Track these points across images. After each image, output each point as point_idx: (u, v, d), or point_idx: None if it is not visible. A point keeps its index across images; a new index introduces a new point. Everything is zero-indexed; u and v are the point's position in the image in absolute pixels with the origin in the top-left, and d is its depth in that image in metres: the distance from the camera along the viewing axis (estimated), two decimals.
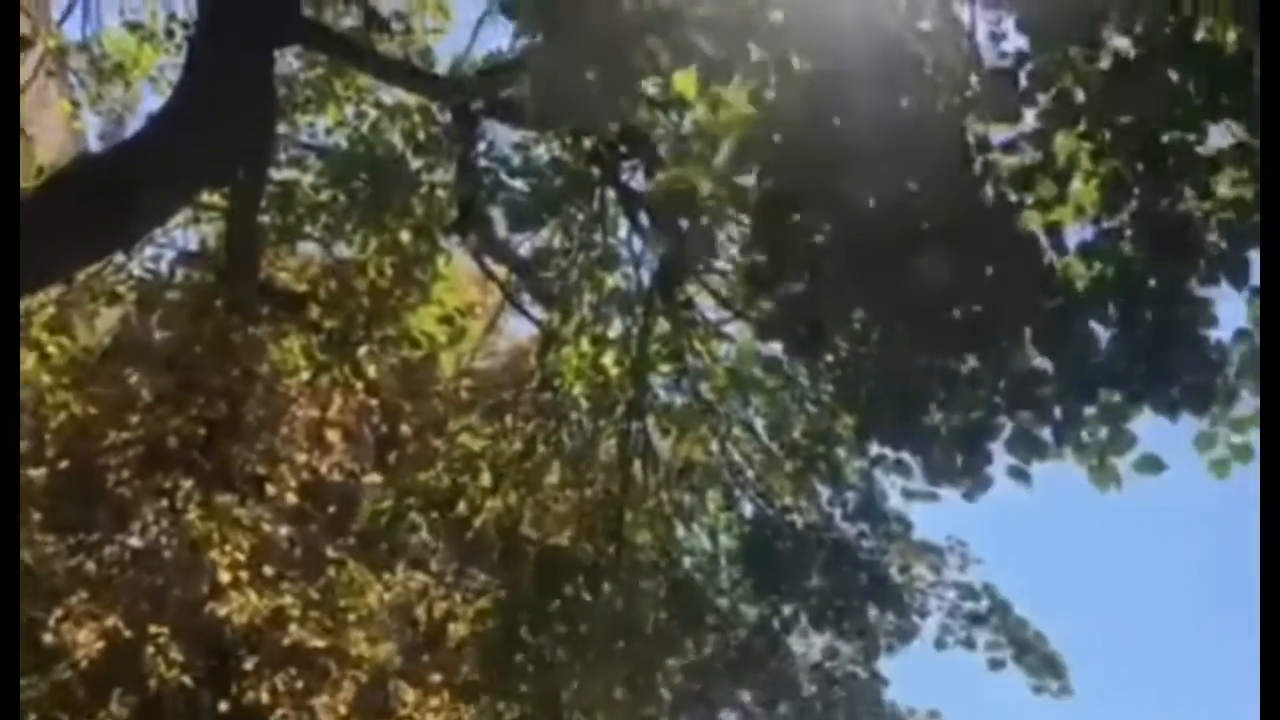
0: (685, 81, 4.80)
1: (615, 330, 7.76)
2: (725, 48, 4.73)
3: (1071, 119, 4.46)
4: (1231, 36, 4.14)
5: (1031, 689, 8.06)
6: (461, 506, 7.69)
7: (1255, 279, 4.50)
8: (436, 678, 8.98)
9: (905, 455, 6.82)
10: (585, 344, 7.59)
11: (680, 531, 7.91)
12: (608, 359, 7.59)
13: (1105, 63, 4.23)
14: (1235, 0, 4.16)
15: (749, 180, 4.81)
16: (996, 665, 8.11)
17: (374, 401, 8.26)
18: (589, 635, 7.72)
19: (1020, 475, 5.95)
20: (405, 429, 8.45)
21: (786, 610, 7.85)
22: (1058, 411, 5.04)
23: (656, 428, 7.79)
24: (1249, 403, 4.80)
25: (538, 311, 8.12)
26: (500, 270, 8.15)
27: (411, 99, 7.77)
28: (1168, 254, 4.42)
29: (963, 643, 8.16)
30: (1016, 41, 4.49)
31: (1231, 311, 4.57)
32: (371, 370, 8.04)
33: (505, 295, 8.19)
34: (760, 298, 6.48)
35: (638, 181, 7.62)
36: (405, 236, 7.63)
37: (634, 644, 7.82)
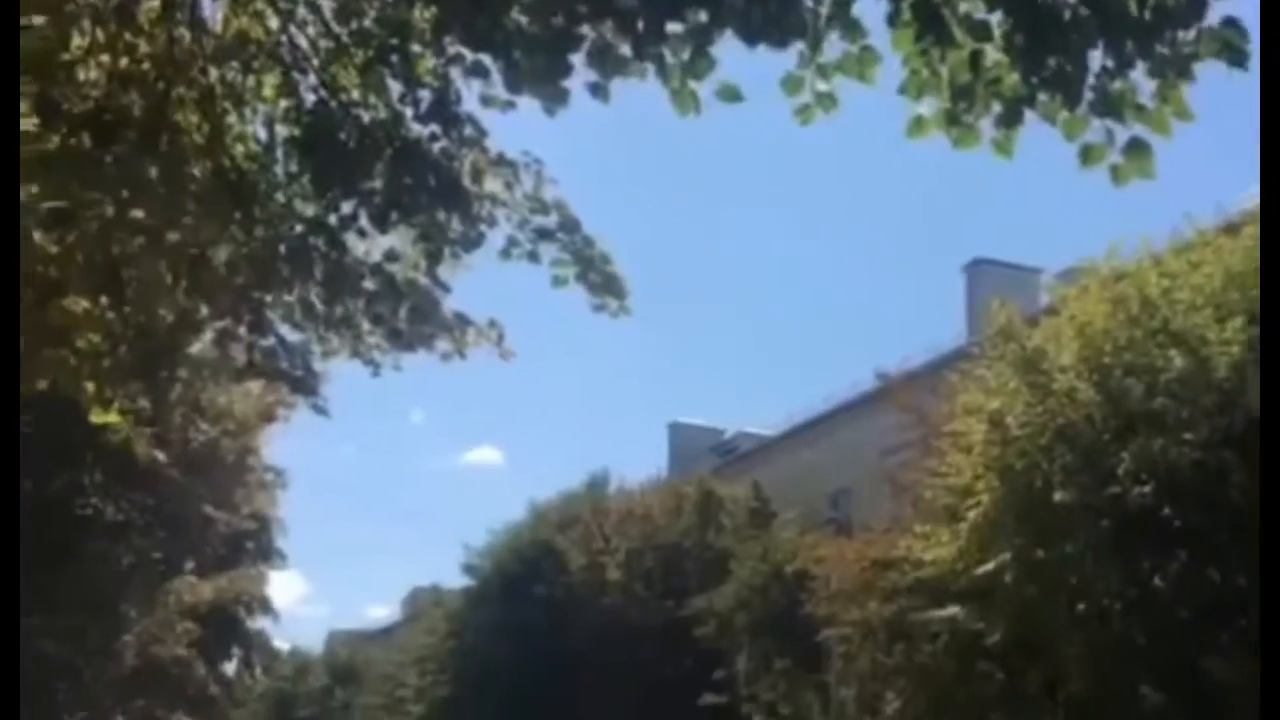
0: None
1: None
2: None
3: None
4: None
5: (591, 307, 8.13)
6: None
7: None
8: None
9: (485, 58, 6.39)
10: None
11: (232, 116, 7.15)
12: None
13: None
14: None
15: None
16: (559, 282, 8.07)
17: None
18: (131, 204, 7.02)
19: (599, 91, 5.76)
20: None
21: (346, 208, 7.39)
22: (640, 24, 4.76)
23: None
24: (838, 47, 4.64)
25: None
26: None
27: None
28: None
29: (528, 255, 8.03)
30: None
31: None
32: None
33: None
34: None
35: None
36: None
37: (182, 228, 7.21)
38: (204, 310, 7.65)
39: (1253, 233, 16.71)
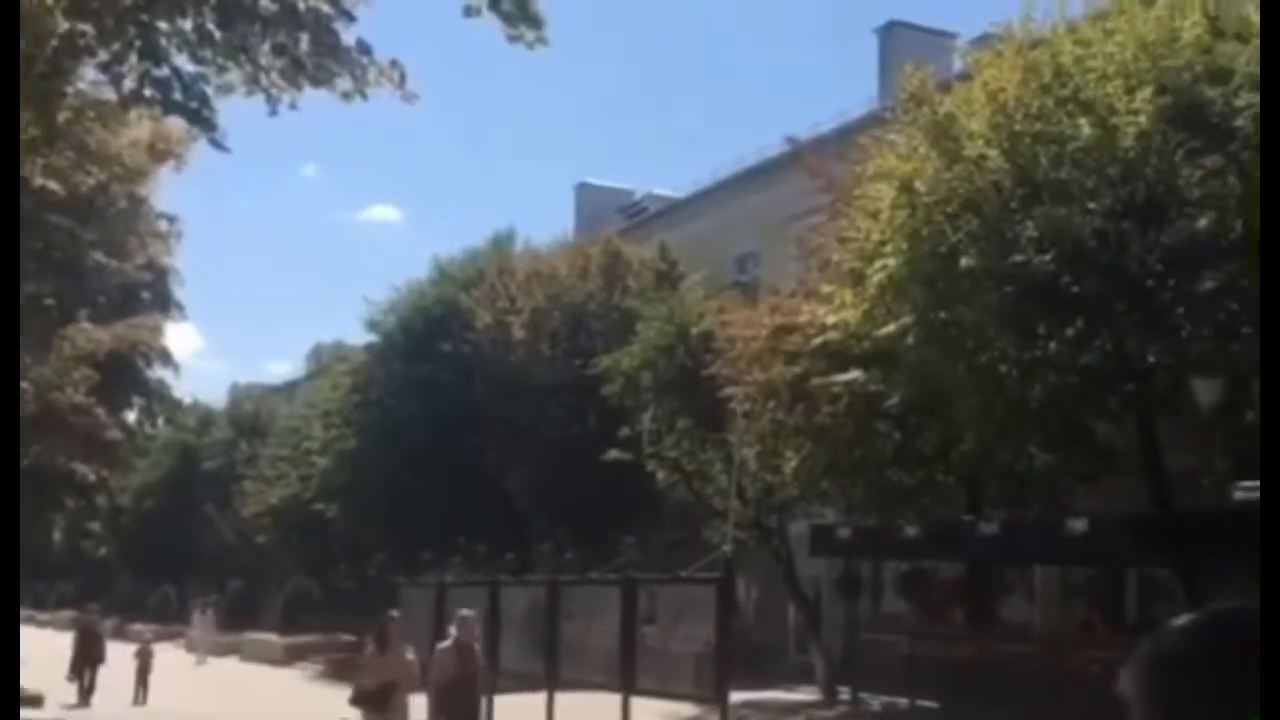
0: None
1: None
2: None
3: None
4: None
5: (506, 37, 7.84)
6: None
7: None
8: None
9: None
10: None
11: None
12: None
13: None
14: None
15: None
16: (472, 11, 7.74)
17: None
18: None
19: None
20: None
21: None
22: None
23: None
24: None
25: None
26: None
27: None
28: None
29: None
30: None
31: None
32: None
33: None
34: None
35: None
36: None
37: None
38: (90, 33, 7.16)
39: (1168, 0, 16.54)
